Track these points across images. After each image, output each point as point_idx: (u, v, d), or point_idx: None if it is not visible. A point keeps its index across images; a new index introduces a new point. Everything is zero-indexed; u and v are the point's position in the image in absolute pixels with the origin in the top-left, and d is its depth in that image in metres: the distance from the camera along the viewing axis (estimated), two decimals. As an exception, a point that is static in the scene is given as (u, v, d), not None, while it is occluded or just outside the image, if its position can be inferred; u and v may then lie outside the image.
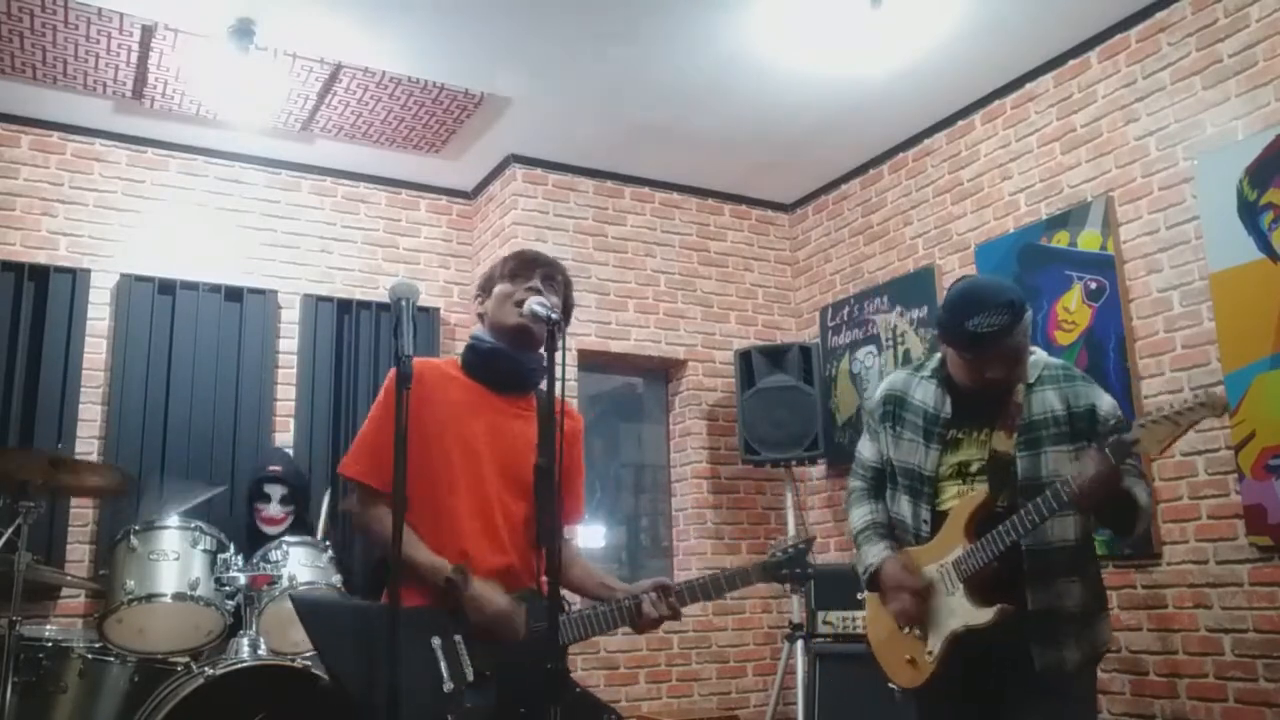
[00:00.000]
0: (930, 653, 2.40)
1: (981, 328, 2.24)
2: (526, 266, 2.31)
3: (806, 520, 5.45)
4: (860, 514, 2.63)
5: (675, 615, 2.21)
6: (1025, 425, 2.36)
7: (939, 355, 2.52)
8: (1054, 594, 2.32)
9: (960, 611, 2.34)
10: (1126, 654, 3.87)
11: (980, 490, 2.39)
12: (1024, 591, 2.31)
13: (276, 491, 4.12)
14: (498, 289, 2.32)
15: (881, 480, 2.62)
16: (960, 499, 2.41)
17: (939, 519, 2.44)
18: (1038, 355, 2.45)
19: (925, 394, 2.50)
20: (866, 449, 2.66)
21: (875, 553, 2.53)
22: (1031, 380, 2.39)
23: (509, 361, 2.29)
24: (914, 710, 2.56)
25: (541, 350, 2.13)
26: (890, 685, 2.60)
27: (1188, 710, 3.64)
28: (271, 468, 4.22)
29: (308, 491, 4.31)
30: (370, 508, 2.19)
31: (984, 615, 2.29)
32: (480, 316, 2.37)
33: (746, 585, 2.31)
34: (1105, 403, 2.37)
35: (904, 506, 2.52)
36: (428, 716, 1.97)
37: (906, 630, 2.46)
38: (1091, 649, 2.38)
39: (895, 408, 2.55)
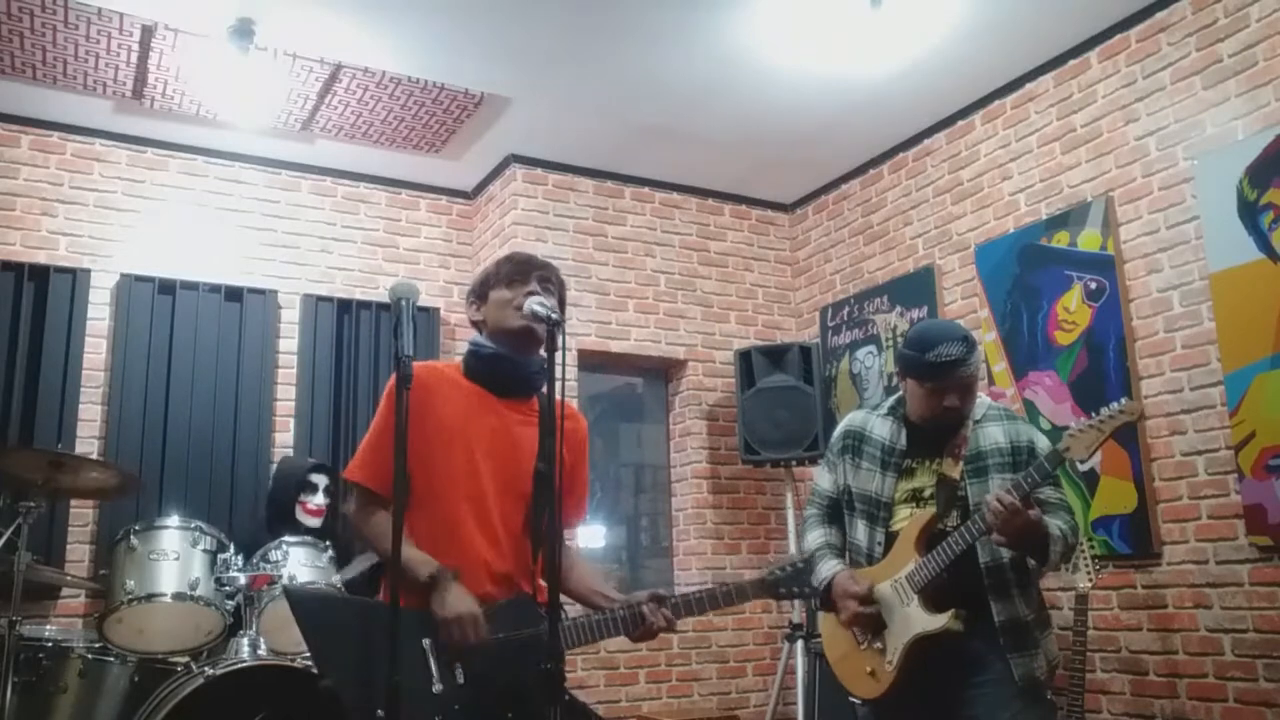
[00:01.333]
0: (890, 662, 2.52)
1: (941, 358, 2.50)
2: (522, 271, 2.31)
3: (806, 520, 5.44)
4: (814, 536, 2.81)
5: (671, 627, 2.21)
6: (973, 455, 2.58)
7: (897, 395, 2.75)
8: (1013, 606, 2.49)
9: (916, 620, 2.49)
10: (1126, 654, 3.87)
11: (928, 509, 2.59)
12: (985, 604, 2.48)
13: (322, 482, 4.17)
14: (494, 295, 2.31)
15: (836, 509, 2.82)
16: (911, 519, 2.61)
17: (892, 540, 2.62)
18: (982, 398, 2.70)
19: (883, 429, 2.72)
20: (824, 480, 2.85)
21: (827, 568, 2.70)
22: (978, 418, 2.63)
23: (511, 366, 2.30)
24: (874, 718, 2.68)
25: (542, 351, 2.13)
26: (851, 699, 2.70)
27: (1188, 710, 3.64)
28: (314, 460, 4.31)
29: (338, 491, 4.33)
30: (371, 512, 2.20)
31: (937, 621, 2.45)
32: (476, 324, 2.37)
33: (744, 601, 2.31)
34: (1041, 441, 2.63)
35: (860, 531, 2.71)
36: (416, 717, 1.97)
37: (864, 645, 2.60)
38: (1049, 660, 2.55)
39: (855, 441, 2.77)
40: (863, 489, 2.70)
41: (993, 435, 2.59)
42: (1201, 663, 3.63)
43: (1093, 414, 2.42)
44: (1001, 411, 2.68)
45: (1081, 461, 2.58)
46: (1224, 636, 3.56)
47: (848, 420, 2.84)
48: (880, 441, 2.70)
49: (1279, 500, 3.41)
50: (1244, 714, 3.47)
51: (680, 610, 2.21)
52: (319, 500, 4.12)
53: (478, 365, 2.30)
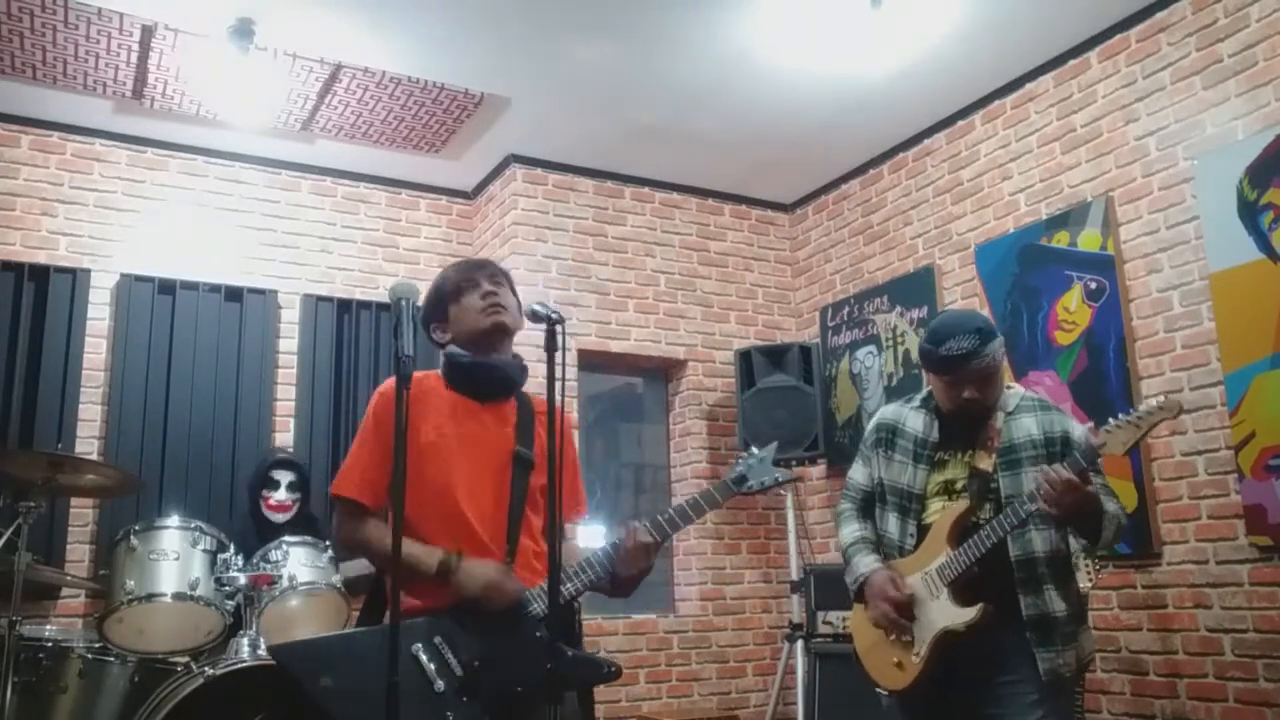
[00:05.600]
0: (917, 654, 2.52)
1: (953, 351, 2.51)
2: (469, 277, 2.33)
3: (806, 520, 5.45)
4: (850, 530, 2.80)
5: (651, 542, 2.21)
6: (1006, 448, 2.57)
7: (929, 388, 2.74)
8: (1043, 600, 2.47)
9: (945, 613, 2.48)
10: (1126, 654, 3.87)
11: (961, 502, 2.57)
12: (1016, 599, 2.46)
13: (285, 477, 4.12)
14: (454, 308, 2.33)
15: (870, 503, 2.81)
16: (943, 511, 2.60)
17: (924, 533, 2.62)
18: (1016, 389, 2.70)
19: (915, 421, 2.72)
20: (858, 473, 2.85)
21: (866, 563, 2.69)
22: (1011, 409, 2.62)
23: (491, 371, 2.33)
24: (898, 711, 2.66)
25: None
26: (877, 690, 2.69)
27: (1188, 710, 3.64)
28: (280, 455, 4.27)
29: (309, 483, 4.30)
30: (360, 523, 2.22)
31: (966, 615, 2.44)
32: (443, 344, 2.36)
33: (715, 507, 2.33)
34: (1078, 430, 2.58)
35: (891, 523, 2.70)
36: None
37: (893, 637, 2.59)
38: (1081, 656, 2.58)
39: (888, 434, 2.76)
40: (895, 481, 2.70)
41: (1026, 427, 2.58)
42: (1201, 663, 3.63)
43: (1131, 409, 2.39)
44: (1035, 402, 2.65)
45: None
46: (1224, 636, 3.56)
47: (881, 413, 2.84)
48: (913, 434, 2.69)
49: (1279, 500, 3.41)
50: (1244, 714, 3.47)
51: (655, 531, 2.22)
52: (280, 496, 4.08)
53: (458, 374, 2.32)
